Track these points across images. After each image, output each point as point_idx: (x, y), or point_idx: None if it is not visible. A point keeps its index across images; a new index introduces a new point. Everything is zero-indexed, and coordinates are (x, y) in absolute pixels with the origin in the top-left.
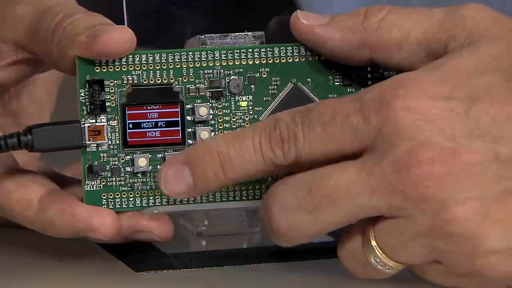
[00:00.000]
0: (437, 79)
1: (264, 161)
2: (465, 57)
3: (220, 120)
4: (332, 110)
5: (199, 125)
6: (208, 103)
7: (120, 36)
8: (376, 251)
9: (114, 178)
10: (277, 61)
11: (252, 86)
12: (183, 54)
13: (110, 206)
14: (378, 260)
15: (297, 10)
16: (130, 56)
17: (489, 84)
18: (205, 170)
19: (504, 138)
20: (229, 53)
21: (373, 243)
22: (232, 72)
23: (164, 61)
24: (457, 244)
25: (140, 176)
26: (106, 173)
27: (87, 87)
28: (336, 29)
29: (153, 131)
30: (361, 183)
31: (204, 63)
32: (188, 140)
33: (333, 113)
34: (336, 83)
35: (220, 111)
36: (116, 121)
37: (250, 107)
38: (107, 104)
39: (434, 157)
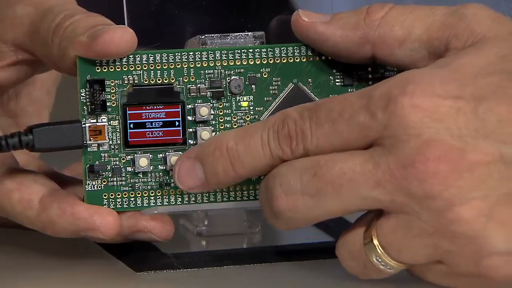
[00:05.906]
0: (445, 77)
1: (272, 157)
2: (472, 56)
3: (221, 120)
4: (340, 107)
5: (200, 125)
6: (209, 103)
7: (120, 36)
8: (378, 250)
9: (115, 178)
10: (278, 61)
11: (253, 86)
12: (184, 54)
13: (111, 206)
14: (380, 259)
15: (299, 9)
16: (131, 56)
17: (495, 84)
18: (215, 167)
19: (510, 139)
20: (230, 53)
21: (375, 241)
22: (233, 72)
23: (165, 61)
24: (461, 244)
25: (141, 176)
26: (107, 173)
27: (88, 87)
28: (338, 26)
29: (154, 131)
30: (366, 174)
31: (205, 63)
32: (189, 140)
33: (340, 110)
34: (337, 83)
35: (221, 111)
36: (117, 121)
37: (251, 107)
38: (108, 104)
39: (441, 154)
